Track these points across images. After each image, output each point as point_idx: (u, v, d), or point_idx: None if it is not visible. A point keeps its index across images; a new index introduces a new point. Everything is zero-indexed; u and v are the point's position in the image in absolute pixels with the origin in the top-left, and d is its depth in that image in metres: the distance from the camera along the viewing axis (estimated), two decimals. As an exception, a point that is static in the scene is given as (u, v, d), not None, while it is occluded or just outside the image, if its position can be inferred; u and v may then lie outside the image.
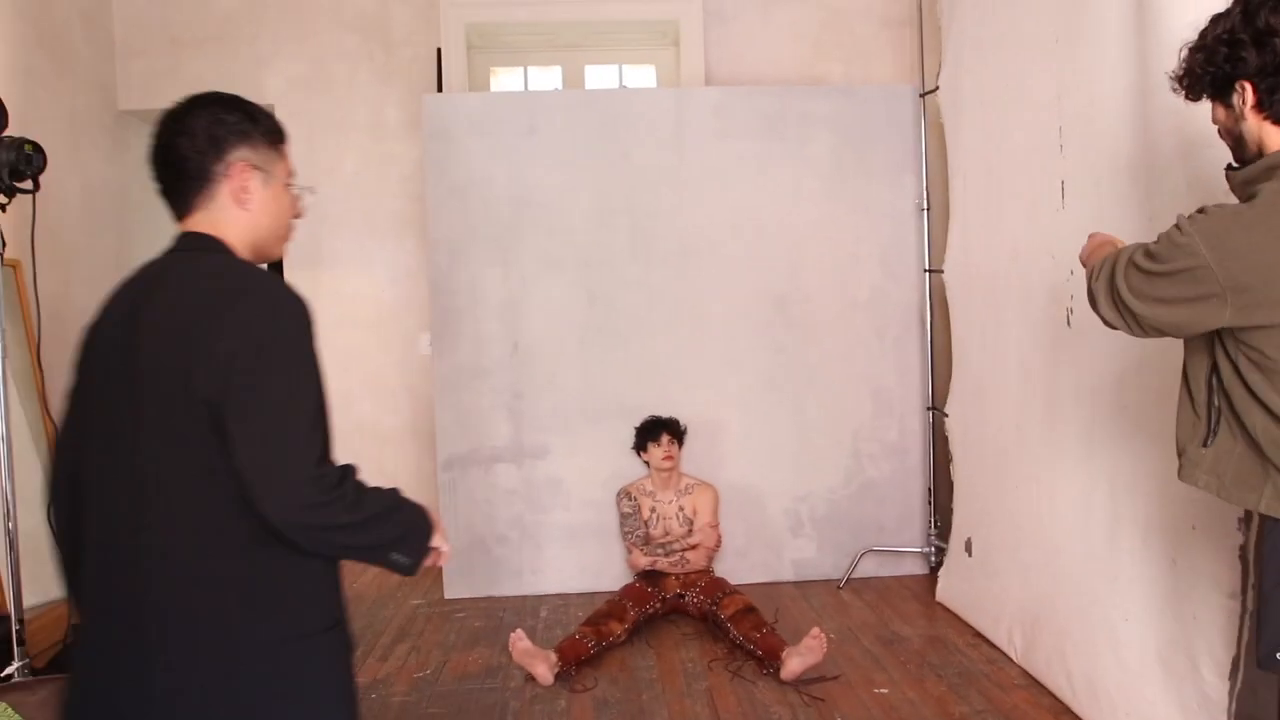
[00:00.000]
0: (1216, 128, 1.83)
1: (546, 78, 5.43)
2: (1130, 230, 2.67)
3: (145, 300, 1.53)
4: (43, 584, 3.78)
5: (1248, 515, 2.29)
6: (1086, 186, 2.96)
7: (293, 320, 1.50)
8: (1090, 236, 2.08)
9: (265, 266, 1.71)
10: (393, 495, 1.59)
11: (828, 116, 4.47)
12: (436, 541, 1.64)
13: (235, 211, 1.60)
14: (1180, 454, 1.89)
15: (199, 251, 1.59)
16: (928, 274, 4.45)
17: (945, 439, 4.21)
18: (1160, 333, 1.79)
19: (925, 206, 4.47)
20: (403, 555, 1.56)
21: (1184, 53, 1.80)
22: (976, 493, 3.88)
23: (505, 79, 5.43)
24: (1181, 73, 1.81)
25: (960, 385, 4.04)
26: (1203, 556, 2.42)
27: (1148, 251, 1.74)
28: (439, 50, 5.08)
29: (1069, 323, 3.07)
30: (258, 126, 1.66)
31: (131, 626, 1.41)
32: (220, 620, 1.42)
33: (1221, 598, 2.37)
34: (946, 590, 4.08)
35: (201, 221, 1.60)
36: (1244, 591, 2.33)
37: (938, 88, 4.17)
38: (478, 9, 5.10)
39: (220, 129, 1.60)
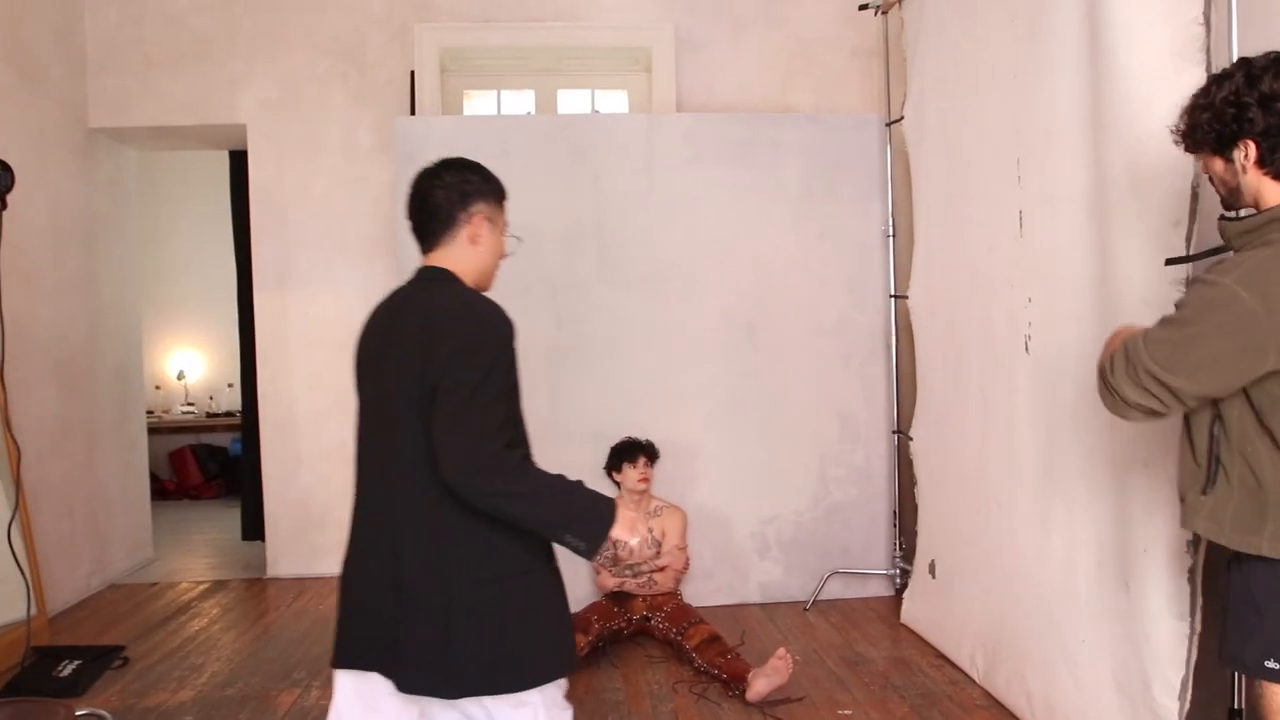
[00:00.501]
0: (1208, 177, 1.96)
1: (519, 101, 5.47)
2: (1085, 261, 2.75)
3: (398, 316, 2.03)
4: (3, 605, 3.74)
5: (1196, 539, 2.35)
6: (1044, 217, 3.02)
7: (496, 334, 1.94)
8: (1107, 343, 2.05)
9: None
10: (571, 482, 1.91)
11: (796, 144, 4.54)
12: (617, 532, 1.90)
13: (468, 249, 2.07)
14: (1181, 500, 1.97)
15: (438, 282, 2.03)
16: (893, 299, 4.52)
17: (910, 462, 4.26)
18: (1199, 399, 1.84)
19: (891, 233, 4.54)
20: (577, 538, 1.87)
21: (1187, 109, 1.92)
22: (940, 516, 3.92)
23: (478, 102, 5.47)
24: (1185, 128, 1.93)
25: (924, 410, 4.09)
26: (1153, 579, 2.47)
27: (1169, 320, 1.83)
28: (412, 73, 5.12)
29: (1027, 349, 3.13)
30: (490, 186, 2.12)
31: (387, 552, 1.93)
32: (431, 557, 1.89)
33: (1171, 620, 2.42)
34: (911, 612, 4.12)
35: (442, 257, 2.06)
36: (1193, 613, 2.38)
37: (903, 117, 4.25)
38: (451, 33, 5.14)
39: (468, 186, 2.07)
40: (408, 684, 1.89)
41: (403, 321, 2.00)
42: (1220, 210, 1.99)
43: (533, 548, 1.96)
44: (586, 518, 1.89)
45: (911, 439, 4.21)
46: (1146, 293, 2.45)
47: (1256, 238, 1.80)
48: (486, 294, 2.09)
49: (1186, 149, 1.97)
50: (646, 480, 4.07)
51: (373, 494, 2.03)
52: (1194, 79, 2.32)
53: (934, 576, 3.92)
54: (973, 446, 3.56)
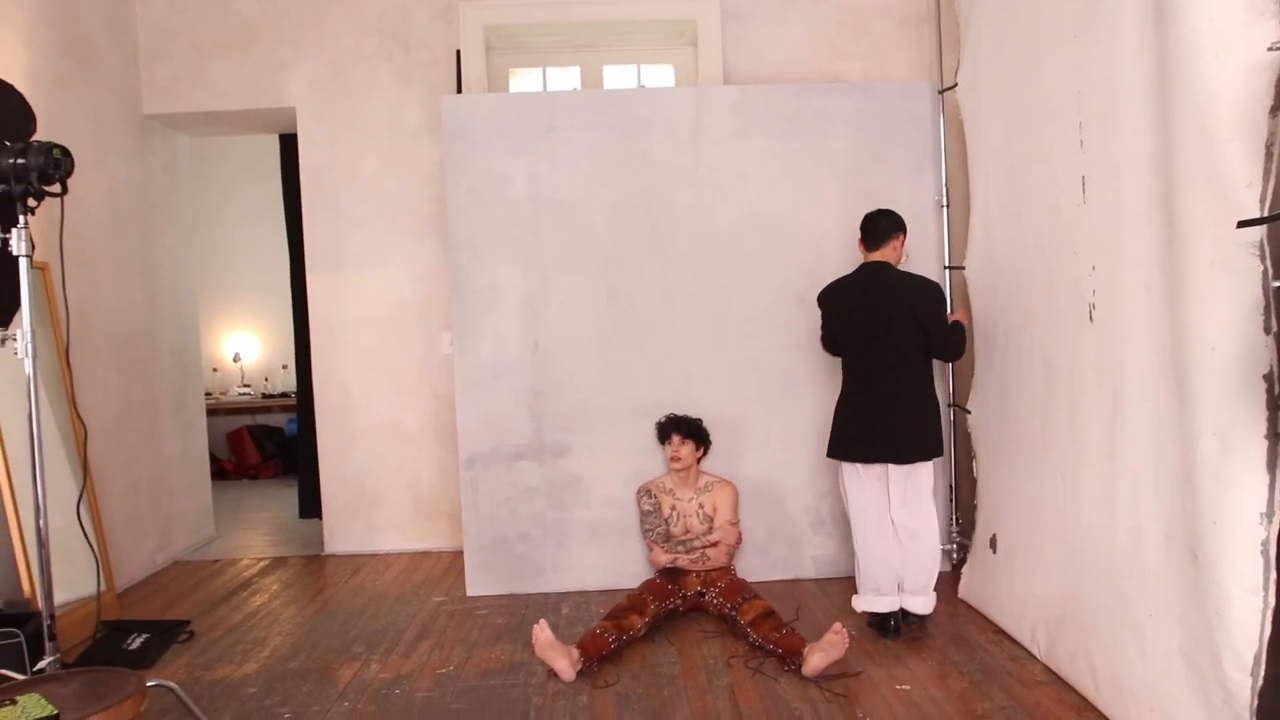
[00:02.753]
0: None
1: (565, 78, 5.45)
2: (1150, 226, 2.66)
3: (872, 283, 3.71)
4: (72, 582, 3.85)
5: (1269, 509, 2.28)
6: (1107, 181, 2.95)
7: (940, 292, 3.74)
8: None
9: None
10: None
11: (846, 114, 4.47)
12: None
13: (892, 256, 3.76)
14: None
15: (884, 267, 3.73)
16: (948, 270, 4.45)
17: (968, 436, 4.20)
18: None
19: (945, 203, 4.47)
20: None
21: None
22: (1000, 489, 3.86)
23: (524, 79, 5.45)
24: None
25: (983, 382, 4.03)
26: (1224, 552, 2.40)
27: None
28: (458, 52, 5.12)
29: (1091, 318, 3.06)
30: (903, 226, 3.79)
31: (884, 406, 3.67)
32: (915, 402, 3.67)
33: (1243, 593, 2.35)
34: (969, 587, 4.07)
35: (880, 255, 3.75)
36: (1265, 587, 2.31)
37: (956, 84, 4.17)
38: (496, 10, 5.13)
39: (890, 223, 3.75)
40: (902, 457, 3.65)
41: (882, 287, 3.67)
42: None
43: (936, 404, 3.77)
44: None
45: (969, 412, 4.15)
46: (1216, 255, 2.37)
47: None
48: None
49: None
50: (678, 459, 4.07)
51: (869, 381, 3.69)
52: (1266, 32, 2.24)
53: (995, 551, 3.87)
54: (1035, 418, 3.51)
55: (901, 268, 3.84)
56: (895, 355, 3.62)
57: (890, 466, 3.68)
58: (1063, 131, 3.20)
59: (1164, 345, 2.65)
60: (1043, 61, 3.35)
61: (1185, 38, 2.44)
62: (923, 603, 3.71)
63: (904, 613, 3.72)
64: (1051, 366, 3.37)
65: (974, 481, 4.14)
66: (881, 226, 3.73)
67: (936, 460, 3.78)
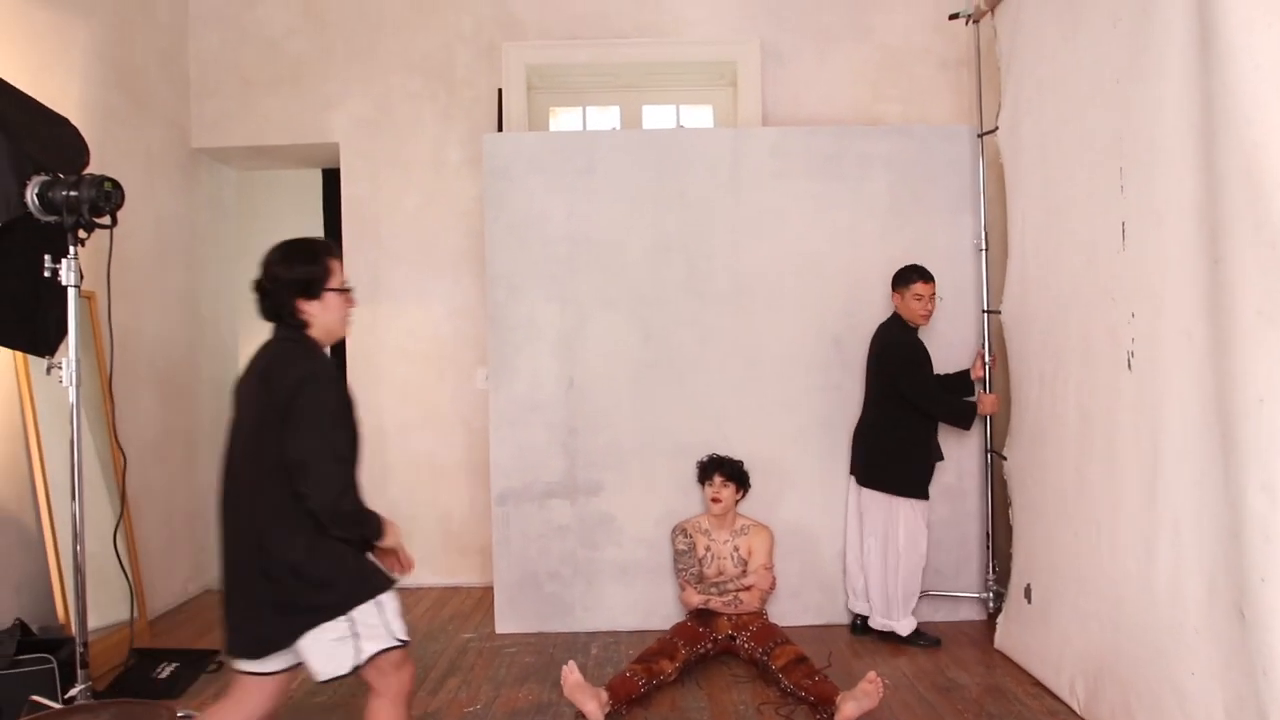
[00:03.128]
0: None
1: (605, 117, 5.50)
2: (1193, 273, 2.62)
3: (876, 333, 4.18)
4: (105, 608, 3.87)
5: None
6: (1148, 228, 2.92)
7: (895, 352, 4.01)
8: None
9: None
10: None
11: (885, 156, 4.47)
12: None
13: (898, 307, 4.11)
14: None
15: (889, 318, 4.11)
16: (985, 315, 4.41)
17: (1004, 482, 4.13)
18: None
19: (983, 247, 4.44)
20: None
21: None
22: (1036, 538, 3.79)
23: (564, 118, 5.51)
24: None
25: (1019, 428, 3.97)
26: (1274, 610, 2.33)
27: None
28: (500, 91, 5.19)
29: (1129, 365, 3.01)
30: (898, 280, 3.95)
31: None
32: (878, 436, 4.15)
33: None
34: (1006, 638, 3.99)
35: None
36: None
37: (996, 128, 4.15)
38: (538, 51, 5.20)
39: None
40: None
41: (876, 337, 4.17)
42: None
43: None
44: None
45: (1005, 458, 4.09)
46: (1263, 305, 2.33)
47: None
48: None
49: None
50: (719, 500, 4.03)
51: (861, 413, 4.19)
52: None
53: (1030, 601, 3.79)
54: (1070, 466, 3.45)
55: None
56: (870, 393, 4.22)
57: (860, 489, 4.25)
58: (1104, 177, 3.18)
59: (1207, 395, 2.59)
60: (1084, 106, 3.34)
61: (1231, 85, 2.43)
62: (881, 623, 4.18)
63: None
64: (1087, 414, 3.32)
65: (1010, 528, 4.06)
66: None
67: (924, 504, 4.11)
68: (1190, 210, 2.67)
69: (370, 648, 2.31)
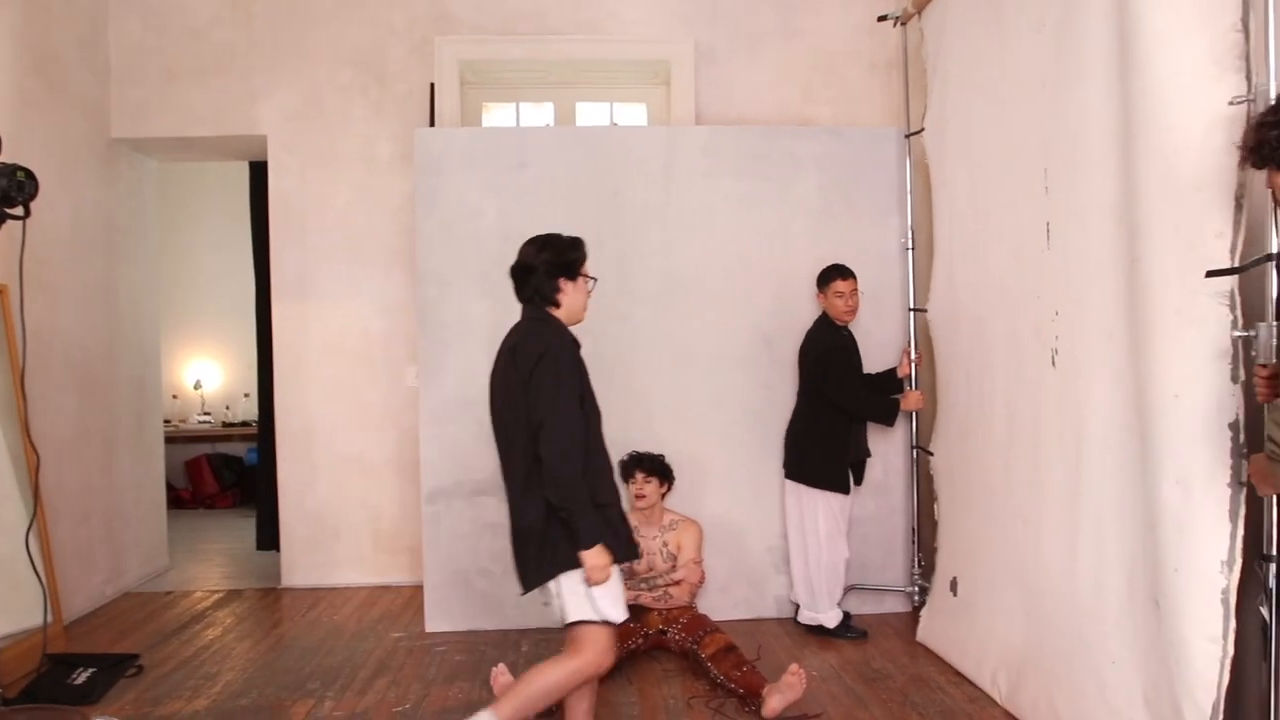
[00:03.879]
0: (1272, 191, 2.02)
1: (538, 114, 5.49)
2: (1114, 273, 2.69)
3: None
4: (17, 612, 3.74)
5: (1230, 558, 2.30)
6: (1071, 228, 2.98)
7: (813, 349, 3.96)
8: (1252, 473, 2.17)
9: None
10: None
11: (815, 157, 4.53)
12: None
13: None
14: None
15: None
16: (912, 313, 4.49)
17: (930, 478, 4.22)
18: None
19: (910, 246, 4.52)
20: None
21: (1253, 126, 1.99)
22: (962, 532, 3.86)
23: (497, 114, 5.48)
24: (1253, 144, 1.96)
25: (945, 424, 4.04)
26: (1185, 600, 2.41)
27: None
28: (432, 85, 5.14)
29: (1054, 363, 3.08)
30: (820, 280, 4.09)
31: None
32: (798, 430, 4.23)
33: (1203, 641, 2.35)
34: (929, 631, 4.06)
35: None
36: (1224, 636, 2.32)
37: (923, 129, 4.23)
38: (471, 45, 5.16)
39: None
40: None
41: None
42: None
43: None
44: None
45: (931, 454, 4.17)
46: (1182, 304, 2.40)
47: None
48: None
49: (1254, 165, 1.98)
50: (643, 496, 4.05)
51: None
52: (1232, 87, 2.30)
53: (955, 594, 3.86)
54: (997, 462, 3.51)
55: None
56: (799, 390, 4.30)
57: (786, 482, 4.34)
58: (1028, 178, 3.23)
59: (1127, 391, 2.67)
60: (1009, 109, 3.39)
61: (1150, 90, 2.50)
62: (808, 616, 4.26)
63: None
64: (1014, 410, 3.38)
65: (935, 524, 4.15)
66: None
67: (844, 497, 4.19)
68: (1111, 211, 2.74)
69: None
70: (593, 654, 2.64)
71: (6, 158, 2.99)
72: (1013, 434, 3.39)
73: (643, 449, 4.18)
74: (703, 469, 4.45)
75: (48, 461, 4.14)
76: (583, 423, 2.63)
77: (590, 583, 2.57)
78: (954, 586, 3.87)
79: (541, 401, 2.56)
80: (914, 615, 4.32)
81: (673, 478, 4.16)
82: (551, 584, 2.63)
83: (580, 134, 4.74)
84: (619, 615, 2.65)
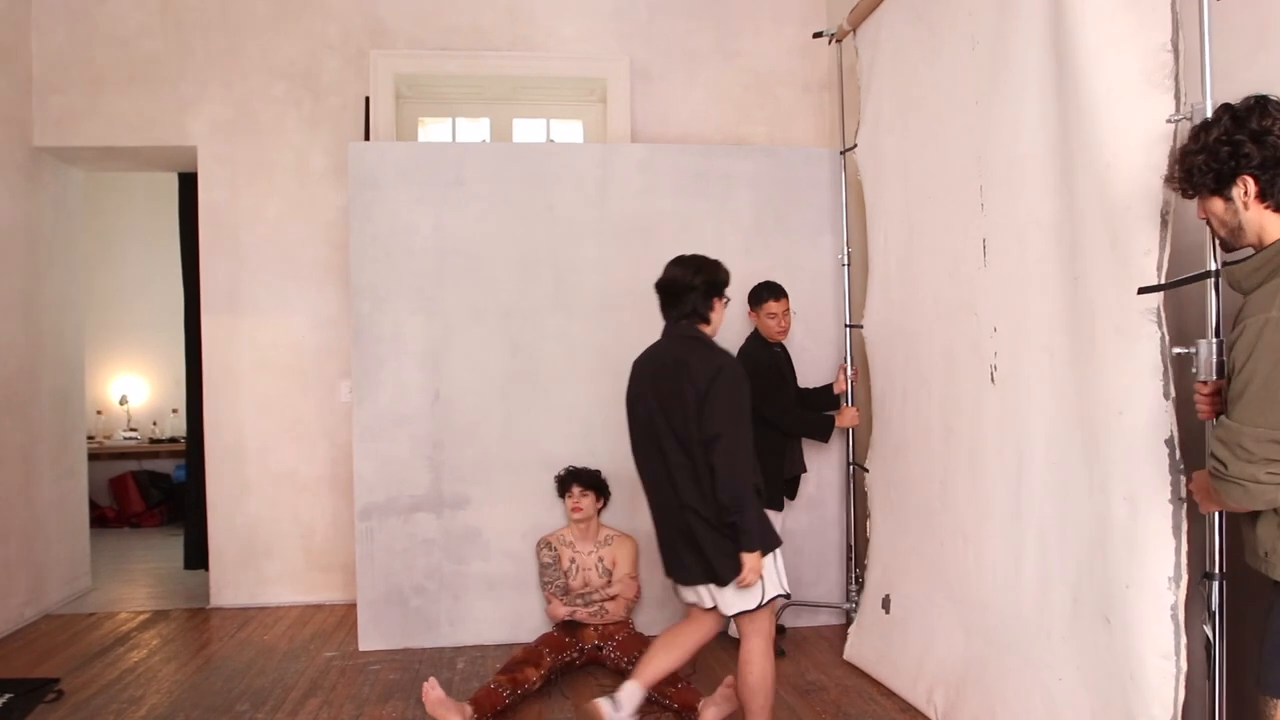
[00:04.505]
0: (1207, 220, 2.01)
1: (474, 129, 5.49)
2: (1055, 289, 2.75)
3: None
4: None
5: (1176, 574, 2.31)
6: (1009, 244, 2.98)
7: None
8: (1196, 489, 2.08)
9: None
10: None
11: (750, 176, 4.60)
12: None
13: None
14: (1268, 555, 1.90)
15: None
16: (848, 329, 4.52)
17: (864, 495, 4.25)
18: None
19: (846, 262, 4.57)
20: None
21: (1179, 155, 1.99)
22: (896, 549, 3.82)
23: (433, 129, 5.47)
24: (1181, 173, 1.97)
25: (881, 441, 4.01)
26: (1138, 616, 2.37)
27: (1240, 388, 1.81)
28: (367, 99, 5.11)
29: (993, 379, 3.07)
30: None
31: None
32: None
33: (1157, 658, 2.33)
34: (857, 649, 4.00)
35: None
36: (1177, 652, 2.32)
37: (856, 145, 4.24)
38: (407, 60, 5.15)
39: None
40: None
41: None
42: (1218, 248, 2.10)
43: None
44: None
45: (866, 470, 4.16)
46: (1120, 321, 2.43)
47: (1272, 270, 1.83)
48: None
49: (1184, 194, 2.01)
50: (580, 510, 4.05)
51: None
52: (1163, 105, 2.35)
53: (888, 611, 3.82)
54: (935, 479, 3.49)
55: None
56: None
57: None
58: (964, 194, 3.24)
59: (1069, 408, 2.68)
60: (944, 125, 3.39)
61: (1085, 108, 2.53)
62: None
63: None
64: (951, 427, 3.36)
65: (868, 541, 4.18)
66: None
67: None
68: (1050, 228, 2.74)
69: (770, 593, 2.88)
70: (764, 627, 2.93)
71: (-78, 168, 2.91)
72: (950, 450, 3.37)
73: (579, 464, 4.20)
74: (638, 484, 4.45)
75: (-37, 480, 4.01)
76: (752, 435, 2.83)
77: (742, 584, 2.79)
78: (886, 604, 3.85)
79: (718, 416, 2.76)
80: (847, 628, 4.37)
81: (609, 493, 4.18)
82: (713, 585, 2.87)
83: (516, 150, 4.75)
84: (784, 588, 2.94)
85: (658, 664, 3.02)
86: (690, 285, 2.95)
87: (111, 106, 5.05)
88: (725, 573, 2.81)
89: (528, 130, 5.51)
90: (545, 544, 4.15)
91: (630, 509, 4.41)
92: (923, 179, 3.61)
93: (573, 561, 4.10)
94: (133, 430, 8.08)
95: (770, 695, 2.92)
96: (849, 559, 4.57)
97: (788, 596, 3.09)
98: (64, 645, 4.44)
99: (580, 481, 4.09)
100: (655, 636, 3.96)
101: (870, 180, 4.12)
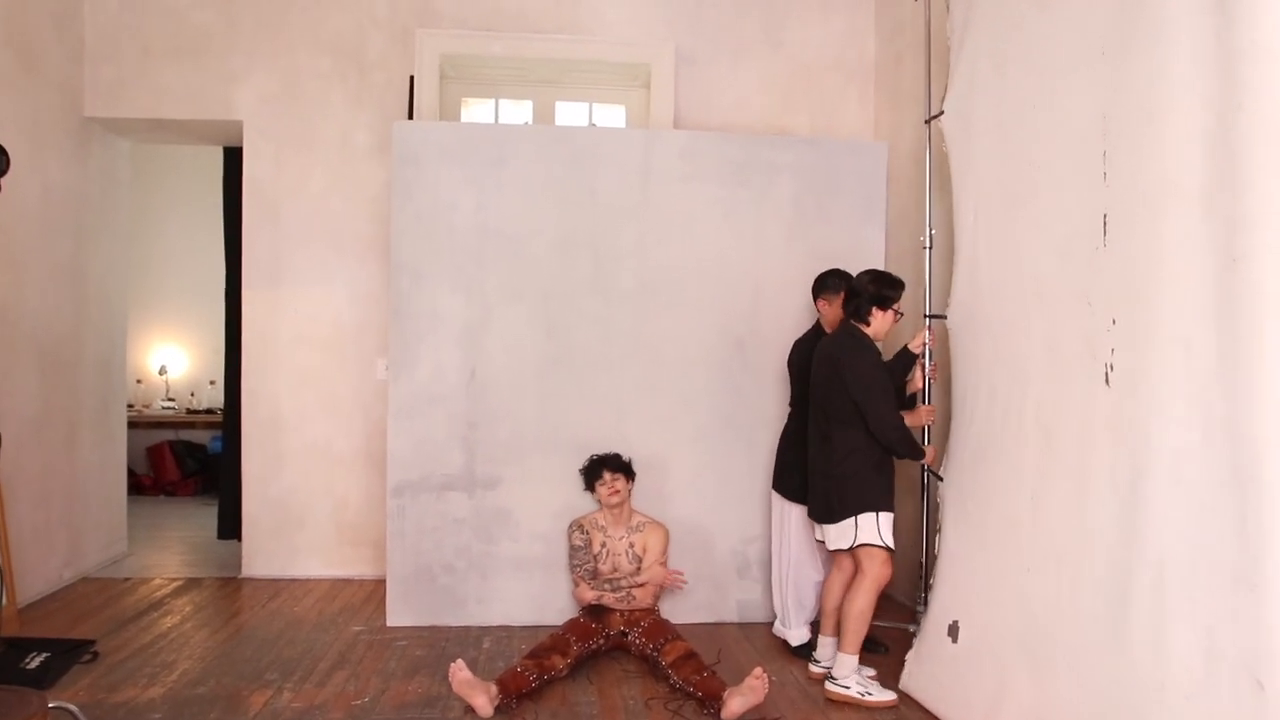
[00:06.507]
0: None
1: (517, 111, 5.48)
2: (1198, 272, 2.30)
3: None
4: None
5: None
6: (1138, 219, 2.52)
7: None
8: None
9: None
10: None
11: (792, 165, 4.56)
12: None
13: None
14: None
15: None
16: (927, 320, 3.97)
17: (938, 506, 3.71)
18: None
19: (928, 245, 4.11)
20: None
21: None
22: (971, 571, 3.32)
23: (476, 110, 5.47)
24: None
25: (960, 445, 3.50)
26: None
27: None
28: (412, 78, 5.12)
29: (1107, 380, 2.62)
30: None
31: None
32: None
33: None
34: (915, 677, 3.52)
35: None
36: None
37: (942, 112, 3.76)
38: (452, 40, 5.15)
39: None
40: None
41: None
42: None
43: None
44: None
45: (941, 478, 3.67)
46: None
47: None
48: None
49: None
50: (618, 492, 4.06)
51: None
52: None
53: (955, 640, 3.32)
54: (1024, 491, 3.01)
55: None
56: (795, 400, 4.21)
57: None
58: (1080, 161, 2.77)
59: (1213, 416, 2.24)
60: (1057, 82, 2.92)
61: (1261, 45, 2.11)
62: (777, 628, 4.25)
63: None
64: (1050, 433, 2.90)
65: (935, 558, 3.64)
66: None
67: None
68: (1196, 198, 2.30)
69: (863, 539, 3.50)
70: (877, 569, 3.47)
71: (-23, 133, 2.96)
72: (1046, 459, 2.90)
73: (609, 450, 4.20)
74: (671, 471, 4.46)
75: (8, 441, 4.08)
76: (893, 400, 3.55)
77: (927, 461, 3.78)
78: (954, 631, 3.34)
79: (858, 387, 3.49)
80: (901, 638, 4.17)
81: (634, 474, 4.18)
82: (851, 519, 3.51)
83: (559, 133, 4.75)
84: (891, 544, 3.52)
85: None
86: (861, 291, 3.63)
87: (160, 78, 5.10)
88: (850, 509, 3.54)
89: (570, 114, 5.50)
90: (577, 526, 4.15)
91: (664, 497, 4.41)
92: (1026, 145, 3.11)
93: (603, 546, 4.11)
94: (170, 400, 8.20)
95: (864, 627, 3.50)
96: (923, 577, 4.08)
97: (888, 549, 3.51)
98: (100, 608, 4.52)
99: (609, 466, 4.09)
100: (667, 621, 3.97)
101: (958, 150, 3.61)
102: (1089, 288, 2.73)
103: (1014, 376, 3.15)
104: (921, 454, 3.71)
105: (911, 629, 3.96)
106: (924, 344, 3.86)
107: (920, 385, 3.94)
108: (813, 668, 3.82)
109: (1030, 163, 3.09)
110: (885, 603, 4.46)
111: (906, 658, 3.62)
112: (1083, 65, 2.79)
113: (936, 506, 3.73)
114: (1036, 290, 3.03)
